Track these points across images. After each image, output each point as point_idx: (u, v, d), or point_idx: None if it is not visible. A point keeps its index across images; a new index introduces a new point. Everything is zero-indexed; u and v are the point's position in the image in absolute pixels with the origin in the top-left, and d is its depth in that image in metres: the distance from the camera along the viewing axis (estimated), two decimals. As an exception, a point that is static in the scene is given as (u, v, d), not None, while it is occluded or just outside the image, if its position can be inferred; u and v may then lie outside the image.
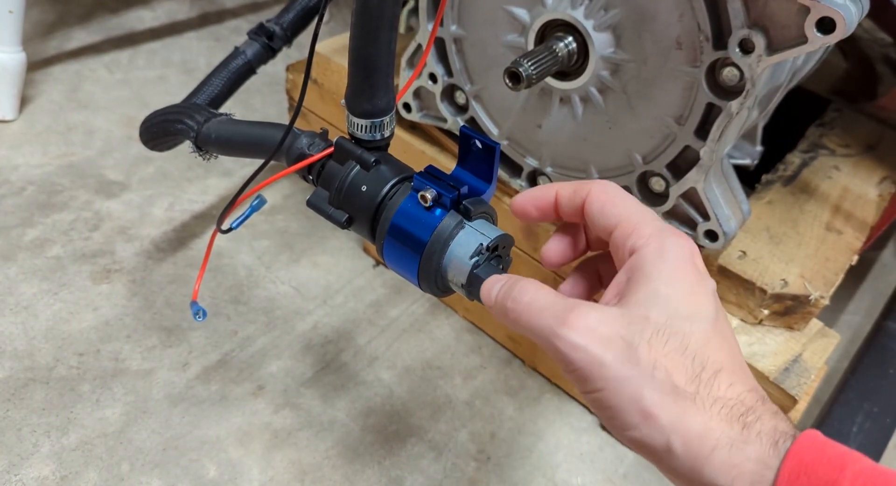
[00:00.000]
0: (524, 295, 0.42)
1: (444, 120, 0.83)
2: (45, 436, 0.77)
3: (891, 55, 1.07)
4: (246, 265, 1.00)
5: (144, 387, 0.83)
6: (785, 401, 0.70)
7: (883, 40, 1.08)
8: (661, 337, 0.38)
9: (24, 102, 1.18)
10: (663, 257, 0.40)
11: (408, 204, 0.53)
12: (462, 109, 0.82)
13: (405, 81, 0.82)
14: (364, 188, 0.55)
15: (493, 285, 0.44)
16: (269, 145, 0.62)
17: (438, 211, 0.52)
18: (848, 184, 0.89)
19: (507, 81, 0.63)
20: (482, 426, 0.86)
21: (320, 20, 0.56)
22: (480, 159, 0.54)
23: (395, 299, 0.99)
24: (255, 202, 0.69)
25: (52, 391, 0.81)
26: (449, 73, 0.80)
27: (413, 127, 0.90)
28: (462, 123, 0.81)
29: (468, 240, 0.52)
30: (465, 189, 0.53)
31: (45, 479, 0.73)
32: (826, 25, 0.53)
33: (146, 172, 1.11)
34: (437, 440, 0.84)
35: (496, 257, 0.53)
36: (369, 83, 0.54)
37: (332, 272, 1.02)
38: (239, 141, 0.68)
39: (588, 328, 0.38)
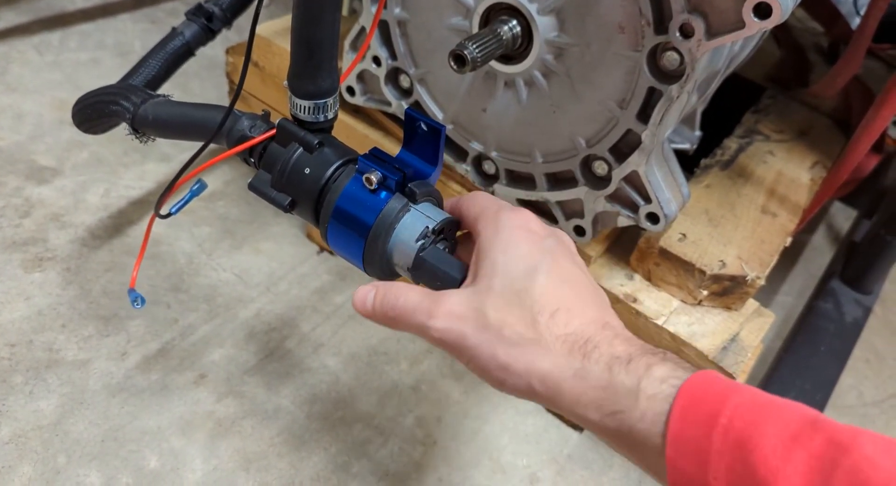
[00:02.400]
0: (398, 300, 0.48)
1: (389, 104, 0.83)
2: (-24, 430, 0.74)
3: (822, 44, 1.10)
4: (186, 252, 0.98)
5: (81, 377, 0.81)
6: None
7: (814, 29, 1.12)
8: (503, 300, 0.45)
9: (-53, 83, 1.13)
10: (498, 230, 0.48)
11: (352, 187, 0.53)
12: (406, 93, 0.82)
13: (348, 64, 0.81)
14: (307, 171, 0.54)
15: (366, 296, 0.50)
16: (209, 127, 0.60)
17: (384, 194, 0.52)
18: (782, 168, 0.92)
19: (452, 63, 0.62)
20: (428, 411, 0.87)
21: (261, 0, 0.55)
22: (426, 142, 0.54)
23: (340, 285, 0.99)
24: (196, 187, 0.67)
25: (-18, 384, 0.78)
26: (393, 56, 0.79)
27: (356, 111, 0.89)
28: (406, 107, 0.81)
29: (414, 223, 0.51)
30: (410, 172, 0.52)
31: (-23, 474, 0.71)
32: (763, 11, 0.54)
33: (80, 158, 1.07)
34: (384, 425, 0.84)
35: (442, 239, 0.53)
36: (312, 64, 0.53)
37: (276, 259, 1.00)
38: (177, 123, 0.66)
39: (449, 312, 0.46)
